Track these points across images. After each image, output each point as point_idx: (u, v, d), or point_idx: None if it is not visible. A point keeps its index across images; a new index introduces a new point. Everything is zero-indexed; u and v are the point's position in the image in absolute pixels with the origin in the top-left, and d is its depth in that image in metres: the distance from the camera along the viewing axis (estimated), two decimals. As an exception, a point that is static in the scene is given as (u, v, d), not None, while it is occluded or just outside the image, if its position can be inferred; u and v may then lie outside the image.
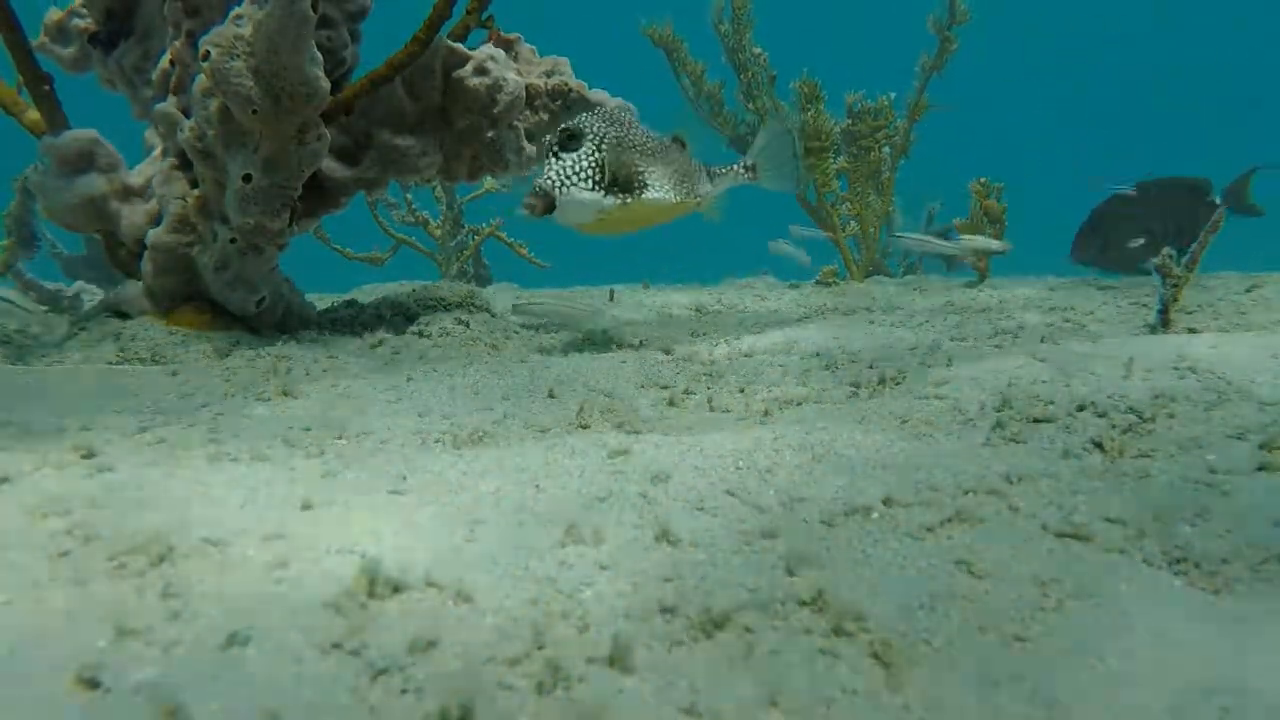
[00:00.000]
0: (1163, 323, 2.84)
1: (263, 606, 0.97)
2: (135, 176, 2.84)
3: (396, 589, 1.01)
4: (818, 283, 5.47)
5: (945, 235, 5.42)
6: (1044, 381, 1.94)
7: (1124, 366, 1.98)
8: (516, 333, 3.08)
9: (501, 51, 3.05)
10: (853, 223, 5.95)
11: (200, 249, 2.67)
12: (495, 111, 2.98)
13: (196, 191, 2.67)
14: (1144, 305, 3.61)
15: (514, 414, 1.85)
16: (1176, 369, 1.99)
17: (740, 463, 1.48)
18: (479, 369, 2.29)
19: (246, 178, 2.48)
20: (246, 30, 2.32)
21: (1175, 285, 2.81)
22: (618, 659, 0.89)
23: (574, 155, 2.31)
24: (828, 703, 0.86)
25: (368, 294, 4.14)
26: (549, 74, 3.22)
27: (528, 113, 3.19)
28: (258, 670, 0.86)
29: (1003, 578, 1.09)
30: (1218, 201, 4.33)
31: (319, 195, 2.95)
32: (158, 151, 2.91)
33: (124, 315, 2.73)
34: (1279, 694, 0.88)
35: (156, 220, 2.76)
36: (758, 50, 6.15)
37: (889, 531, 1.22)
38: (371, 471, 1.44)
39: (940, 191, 6.98)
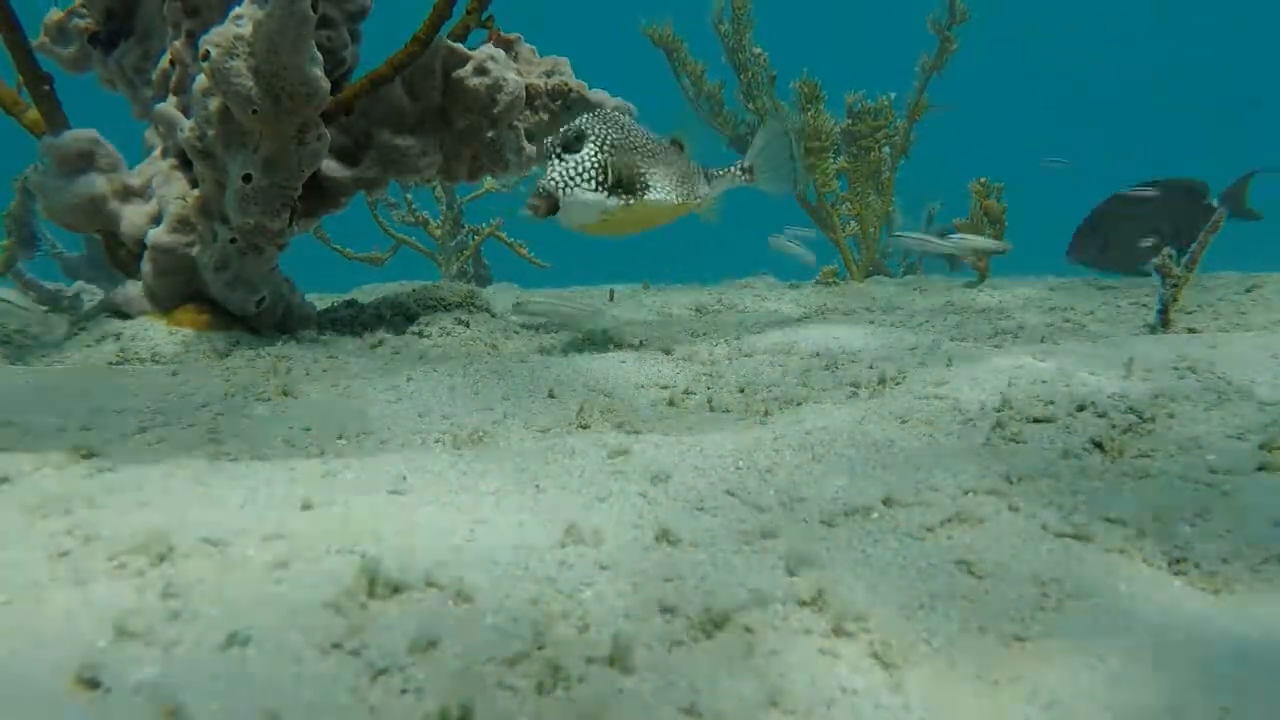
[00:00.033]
0: (1163, 323, 2.84)
1: (263, 606, 0.97)
2: (135, 176, 2.84)
3: (396, 589, 1.01)
4: (818, 283, 5.47)
5: (945, 236, 5.43)
6: (1044, 381, 1.94)
7: (1124, 366, 1.98)
8: (516, 333, 3.08)
9: (501, 51, 3.05)
10: (853, 223, 5.95)
11: (200, 249, 2.67)
12: (495, 111, 2.98)
13: (196, 191, 2.67)
14: (1144, 305, 3.61)
15: (514, 414, 1.85)
16: (1176, 369, 1.99)
17: (740, 463, 1.48)
18: (479, 369, 2.29)
19: (246, 178, 2.48)
20: (246, 30, 2.32)
21: (1175, 285, 2.81)
22: (618, 659, 0.89)
23: (577, 156, 2.32)
24: (828, 703, 0.86)
25: (368, 294, 4.15)
26: (549, 74, 3.22)
27: (528, 113, 3.19)
28: (258, 670, 0.86)
29: (1003, 578, 1.09)
30: (1215, 204, 4.34)
31: (319, 195, 2.95)
32: (158, 151, 2.91)
33: (124, 315, 2.73)
34: (1279, 694, 0.88)
35: (156, 220, 2.76)
36: (758, 50, 6.15)
37: (889, 531, 1.22)
38: (371, 471, 1.44)
39: (940, 191, 6.98)
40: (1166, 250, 2.81)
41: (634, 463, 1.48)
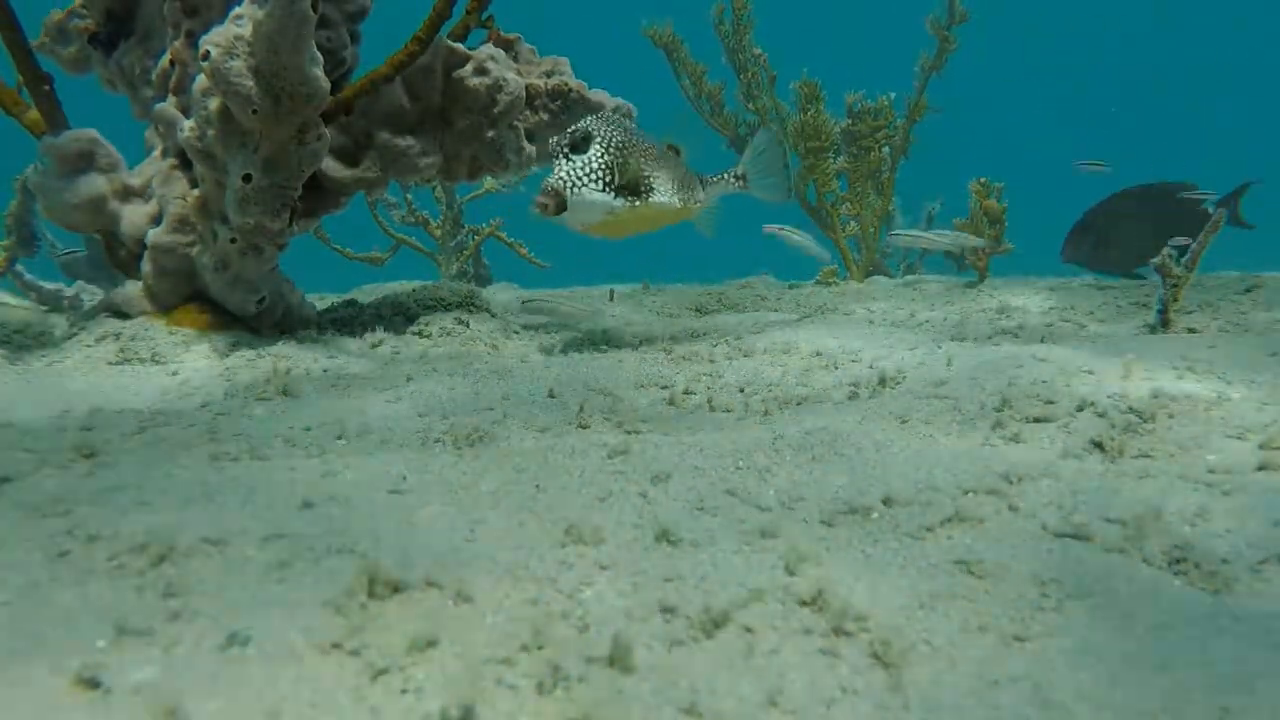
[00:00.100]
0: (1163, 323, 2.84)
1: (263, 606, 0.97)
2: (135, 176, 2.84)
3: (396, 589, 1.01)
4: (817, 283, 5.47)
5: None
6: (1044, 381, 1.94)
7: (1124, 366, 1.98)
8: (516, 333, 3.08)
9: (501, 51, 3.05)
10: (852, 223, 5.95)
11: (200, 249, 2.67)
12: (495, 111, 2.98)
13: (196, 191, 2.67)
14: (1144, 305, 3.61)
15: (514, 414, 1.85)
16: (1176, 369, 1.99)
17: (740, 463, 1.48)
18: (479, 369, 2.29)
19: (246, 178, 2.48)
20: (246, 30, 2.32)
21: (1175, 285, 2.81)
22: (618, 659, 0.89)
23: (584, 157, 2.36)
24: (828, 703, 0.86)
25: (368, 294, 4.14)
26: (549, 74, 3.22)
27: (528, 113, 3.19)
28: (258, 670, 0.86)
29: (1003, 578, 1.09)
30: (1210, 210, 4.35)
31: (319, 195, 2.95)
32: (158, 151, 2.91)
33: (124, 315, 2.73)
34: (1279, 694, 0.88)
35: (156, 220, 2.76)
36: (758, 51, 6.15)
37: (889, 531, 1.22)
38: (371, 471, 1.45)
39: (940, 191, 6.98)
40: (1167, 250, 2.81)
41: (634, 463, 1.48)
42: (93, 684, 0.82)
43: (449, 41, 2.94)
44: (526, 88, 3.11)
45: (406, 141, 2.94)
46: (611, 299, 4.79)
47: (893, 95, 5.83)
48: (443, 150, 3.05)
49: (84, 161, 2.74)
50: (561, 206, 2.35)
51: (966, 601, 1.04)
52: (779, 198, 2.88)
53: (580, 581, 1.06)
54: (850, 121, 5.82)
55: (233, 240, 2.59)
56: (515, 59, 3.17)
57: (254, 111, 2.37)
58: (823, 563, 1.12)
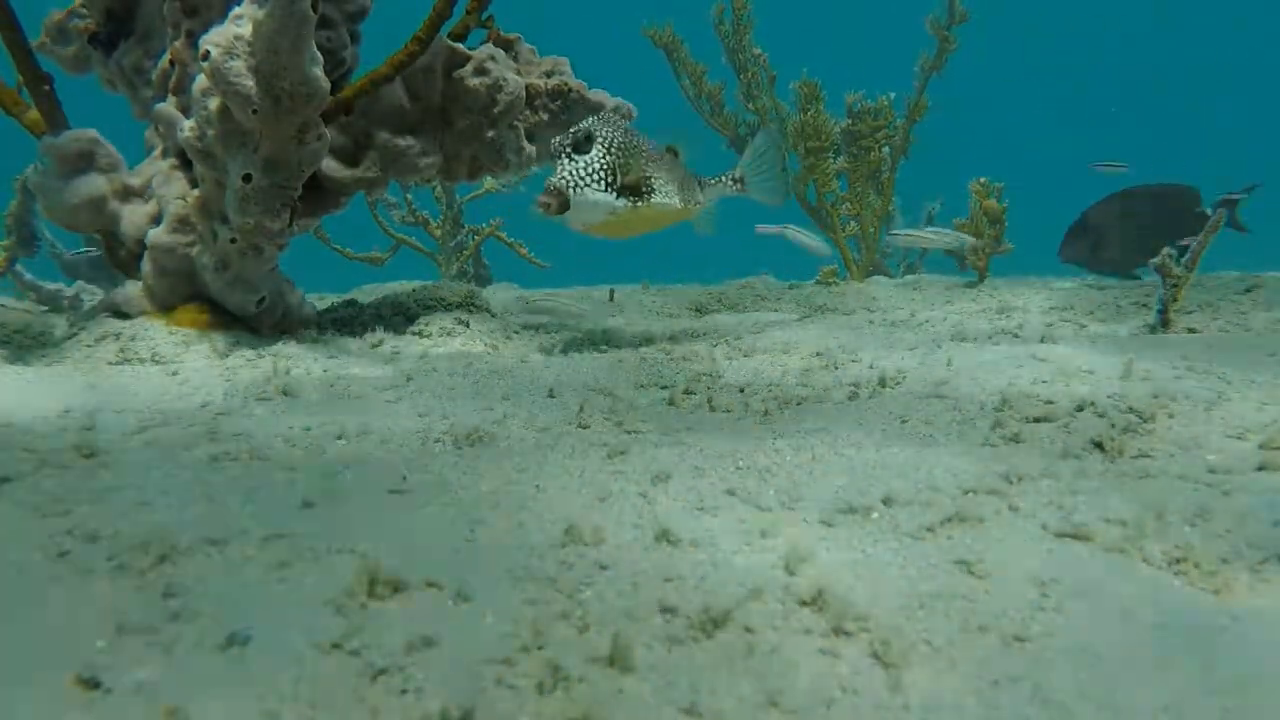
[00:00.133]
0: (1162, 323, 2.84)
1: (263, 606, 0.97)
2: (135, 176, 2.84)
3: (396, 589, 1.01)
4: (817, 283, 5.47)
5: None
6: (1044, 381, 1.94)
7: (1124, 366, 1.98)
8: (516, 333, 3.08)
9: (501, 51, 3.05)
10: (852, 223, 5.95)
11: (200, 249, 2.67)
12: (495, 111, 2.98)
13: (196, 191, 2.67)
14: (1144, 305, 3.61)
15: (514, 414, 1.85)
16: (1176, 369, 1.99)
17: (740, 462, 1.48)
18: (479, 369, 2.29)
19: (246, 178, 2.48)
20: (246, 30, 2.32)
21: (1175, 285, 2.81)
22: (618, 659, 0.89)
23: (587, 157, 2.38)
24: (828, 703, 0.86)
25: (368, 294, 4.14)
26: (549, 74, 3.22)
27: (528, 113, 3.19)
28: (258, 670, 0.86)
29: (1003, 578, 1.09)
30: (1208, 212, 4.35)
31: (319, 195, 2.95)
32: (158, 151, 2.91)
33: (124, 315, 2.73)
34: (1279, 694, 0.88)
35: (156, 220, 2.76)
36: (758, 51, 6.15)
37: (889, 531, 1.22)
38: (371, 471, 1.45)
39: (940, 191, 6.98)
40: (1167, 250, 2.81)
41: (634, 463, 1.48)
42: (93, 684, 0.82)
43: (449, 41, 2.94)
44: (526, 88, 3.11)
45: (406, 141, 2.94)
46: (611, 299, 4.79)
47: (893, 95, 5.82)
48: (443, 150, 3.05)
49: (84, 161, 2.73)
50: (564, 206, 2.37)
51: (966, 601, 1.04)
52: (776, 200, 2.90)
53: (580, 581, 1.06)
54: (850, 121, 5.82)
55: (233, 240, 2.59)
56: (515, 59, 3.17)
57: (254, 111, 2.37)
58: (822, 563, 1.12)
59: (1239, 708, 0.85)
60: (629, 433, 1.71)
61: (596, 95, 3.22)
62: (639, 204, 2.46)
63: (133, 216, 2.79)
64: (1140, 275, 4.66)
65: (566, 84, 3.18)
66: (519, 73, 3.09)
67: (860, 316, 3.57)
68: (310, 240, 5.60)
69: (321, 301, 3.89)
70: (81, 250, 5.16)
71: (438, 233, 6.81)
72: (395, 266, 6.92)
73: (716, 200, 2.81)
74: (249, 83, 2.33)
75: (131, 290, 2.75)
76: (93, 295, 4.98)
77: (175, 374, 2.25)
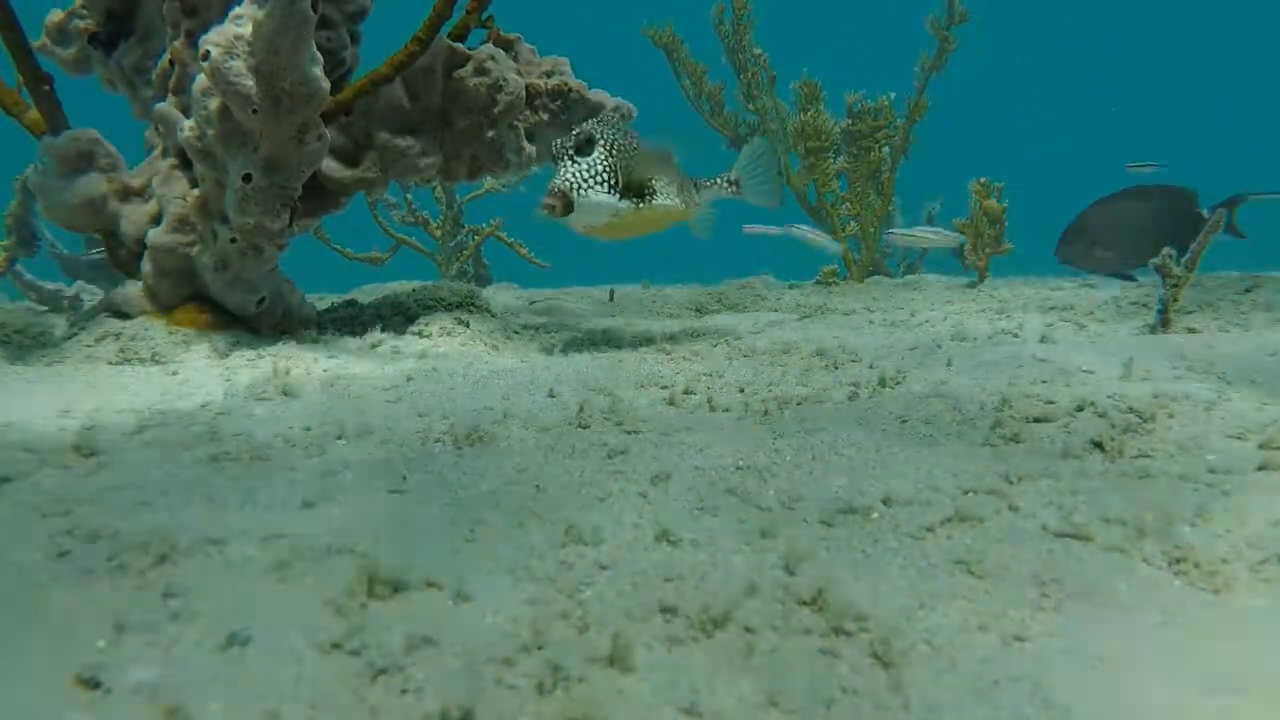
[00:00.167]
0: (1162, 323, 2.84)
1: (263, 606, 0.97)
2: (135, 176, 2.84)
3: (396, 589, 1.01)
4: (817, 282, 5.47)
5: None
6: (1044, 381, 1.94)
7: (1123, 366, 1.98)
8: (516, 333, 3.08)
9: (501, 51, 3.05)
10: (852, 223, 5.95)
11: (200, 249, 2.67)
12: (495, 111, 2.98)
13: (196, 191, 2.67)
14: (1144, 305, 3.61)
15: (514, 413, 1.85)
16: (1176, 369, 1.99)
17: (740, 462, 1.48)
18: (479, 369, 2.29)
19: (246, 178, 2.48)
20: (246, 30, 2.32)
21: (1175, 285, 2.81)
22: (618, 659, 0.89)
23: (589, 159, 2.39)
24: (828, 703, 0.86)
25: (368, 294, 4.14)
26: (549, 74, 3.22)
27: (528, 113, 3.19)
28: (258, 670, 0.86)
29: (1003, 578, 1.09)
30: (1205, 214, 4.35)
31: (319, 195, 2.95)
32: (158, 151, 2.91)
33: (124, 315, 2.73)
34: None
35: (156, 220, 2.76)
36: (758, 51, 6.15)
37: (889, 531, 1.22)
38: (371, 471, 1.45)
39: (940, 191, 6.98)
40: (1166, 250, 2.81)
41: (634, 463, 1.48)
42: (93, 684, 0.82)
43: (449, 41, 2.94)
44: (526, 88, 3.11)
45: (406, 141, 2.94)
46: (611, 299, 4.79)
47: (893, 95, 5.83)
48: (443, 150, 3.05)
49: (84, 161, 2.73)
50: (568, 208, 2.38)
51: (966, 601, 1.04)
52: (772, 203, 2.92)
53: (580, 581, 1.06)
54: (850, 121, 5.82)
55: (233, 240, 2.59)
56: (515, 59, 3.17)
57: (254, 111, 2.37)
58: (822, 562, 1.12)
59: (1239, 708, 0.85)
60: (629, 433, 1.71)
61: (596, 95, 3.22)
62: (641, 206, 2.47)
63: (133, 216, 2.79)
64: (1136, 276, 4.66)
65: (566, 84, 3.18)
66: (519, 73, 3.09)
67: (860, 316, 3.57)
68: (310, 240, 5.60)
69: (321, 301, 3.89)
70: (96, 252, 5.16)
71: (438, 233, 6.81)
72: (395, 266, 6.92)
73: (712, 202, 2.83)
74: (249, 83, 2.33)
75: (131, 290, 2.75)
76: (93, 295, 4.98)
77: (175, 374, 2.25)
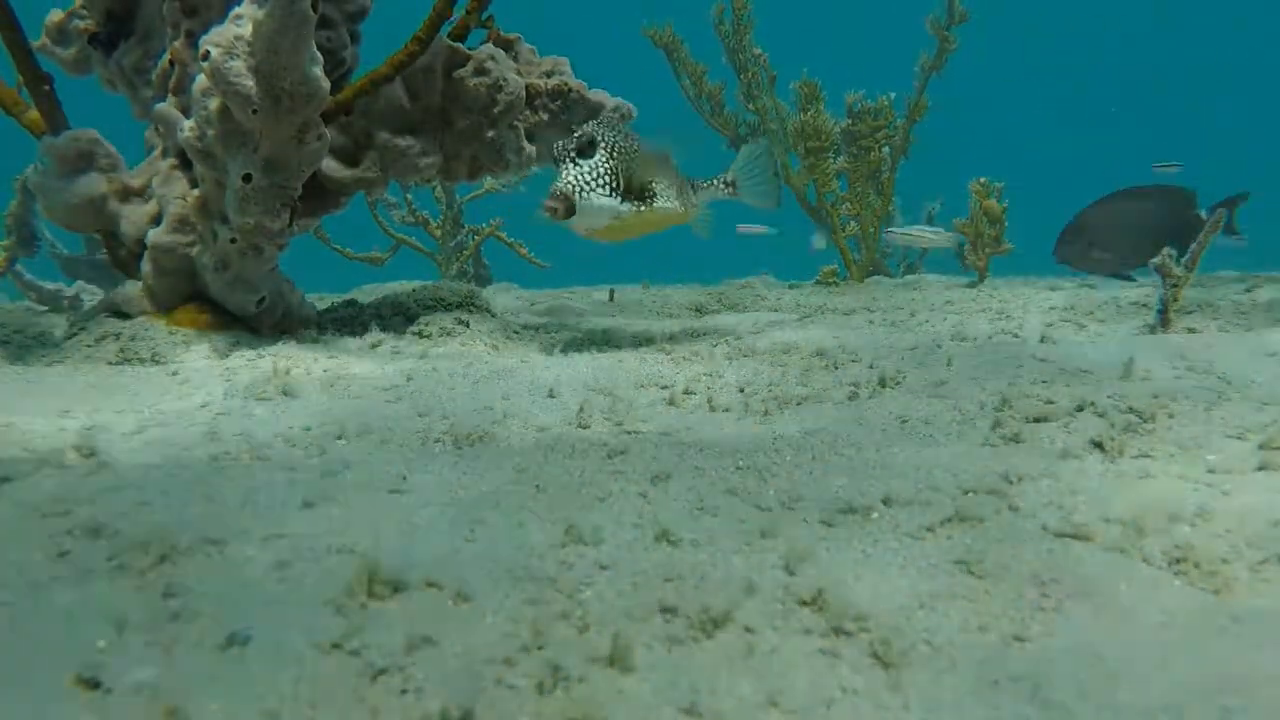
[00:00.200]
0: (1162, 323, 2.84)
1: (263, 606, 0.97)
2: (135, 176, 2.84)
3: (396, 589, 1.01)
4: (817, 282, 5.48)
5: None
6: (1044, 381, 1.94)
7: (1123, 366, 1.98)
8: (516, 333, 3.08)
9: (501, 51, 3.05)
10: (852, 223, 5.95)
11: (200, 249, 2.67)
12: (495, 111, 2.98)
13: (196, 191, 2.67)
14: (1144, 305, 3.61)
15: (514, 413, 1.85)
16: (1175, 369, 1.99)
17: (740, 462, 1.48)
18: (479, 369, 2.29)
19: (246, 178, 2.48)
20: (246, 30, 2.32)
21: (1175, 285, 2.81)
22: (618, 659, 0.89)
23: (591, 162, 2.40)
24: (828, 703, 0.86)
25: (368, 294, 4.14)
26: (549, 74, 3.22)
27: (528, 113, 3.19)
28: (258, 670, 0.86)
29: (1003, 578, 1.09)
30: (1202, 215, 4.35)
31: (319, 195, 2.94)
32: (158, 151, 2.91)
33: (124, 315, 2.73)
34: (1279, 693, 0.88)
35: (156, 220, 2.76)
36: (758, 51, 6.16)
37: (889, 531, 1.22)
38: (372, 471, 1.45)
39: (940, 191, 6.98)
40: (1166, 250, 2.81)
41: (634, 463, 1.48)
42: (93, 684, 0.82)
43: (449, 41, 2.94)
44: (526, 88, 3.11)
45: (406, 141, 2.94)
46: (611, 299, 4.79)
47: (893, 95, 5.83)
48: (443, 150, 3.05)
49: (84, 161, 2.73)
50: (571, 211, 2.39)
51: (966, 601, 1.04)
52: (769, 204, 2.93)
53: (580, 581, 1.06)
54: (850, 121, 5.82)
55: (233, 240, 2.59)
56: (515, 59, 3.16)
57: (254, 111, 2.37)
58: (822, 563, 1.12)
59: (1239, 708, 0.85)
60: (629, 433, 1.71)
61: (596, 95, 3.22)
62: (642, 208, 2.48)
63: (133, 216, 2.79)
64: (1134, 276, 4.66)
65: (566, 84, 3.18)
66: (519, 73, 3.09)
67: (860, 316, 3.57)
68: (310, 240, 5.60)
69: (321, 301, 3.90)
70: (102, 256, 5.16)
71: (438, 233, 6.81)
72: (395, 266, 6.93)
73: (709, 203, 2.84)
74: (249, 83, 2.33)
75: (131, 290, 2.75)
76: (93, 295, 4.98)
77: (175, 374, 2.25)
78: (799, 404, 1.95)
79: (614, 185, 2.42)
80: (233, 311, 2.75)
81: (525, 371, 2.24)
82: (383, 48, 2.82)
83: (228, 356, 2.45)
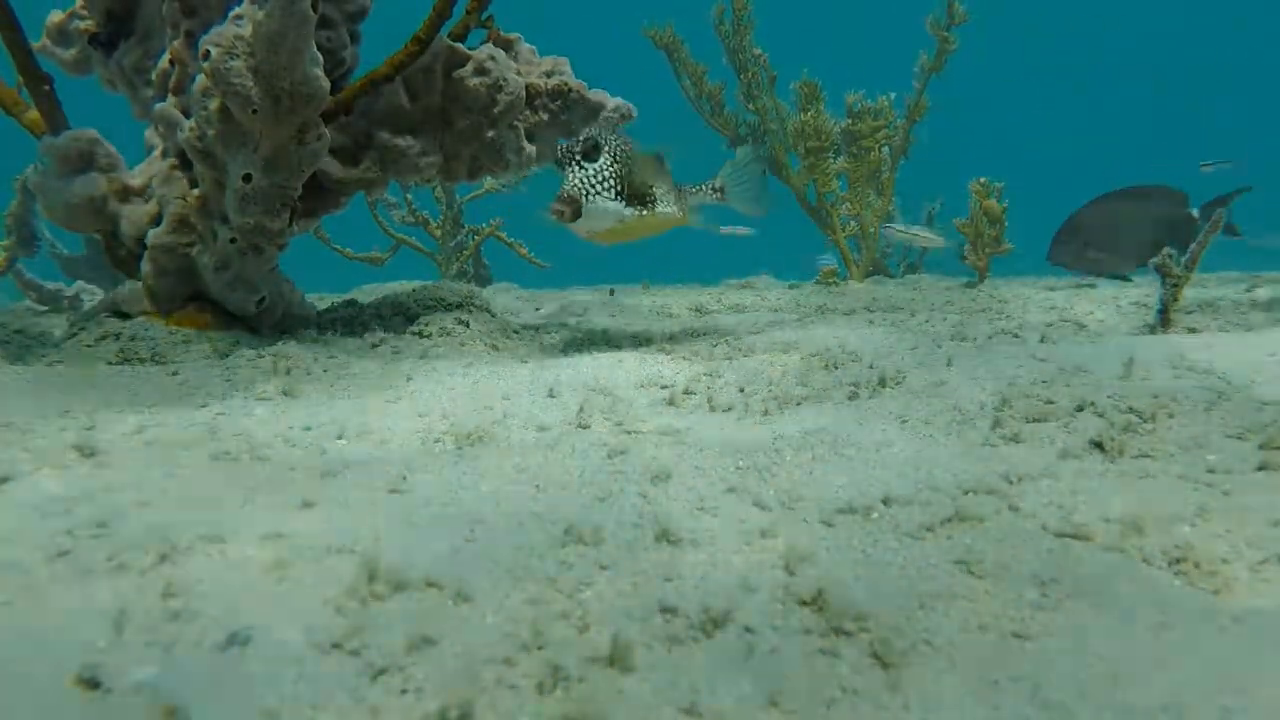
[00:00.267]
0: (1162, 323, 2.84)
1: (263, 606, 0.97)
2: (135, 176, 2.84)
3: (396, 589, 1.01)
4: (817, 282, 5.48)
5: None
6: (1044, 381, 1.94)
7: (1124, 366, 1.98)
8: (516, 333, 3.08)
9: (502, 51, 3.05)
10: (852, 223, 5.95)
11: (200, 249, 2.67)
12: (495, 111, 2.98)
13: (196, 191, 2.67)
14: (1144, 305, 3.61)
15: (514, 413, 1.85)
16: (1176, 369, 1.99)
17: (740, 462, 1.48)
18: (479, 369, 2.29)
19: (246, 178, 2.48)
20: (246, 30, 2.32)
21: (1175, 285, 2.81)
22: (618, 659, 0.89)
23: (596, 165, 2.43)
24: (828, 703, 0.86)
25: (368, 294, 4.14)
26: (549, 74, 3.22)
27: (528, 113, 3.19)
28: (258, 670, 0.86)
29: (1003, 578, 1.09)
30: (1194, 214, 4.36)
31: (319, 195, 2.95)
32: (158, 151, 2.91)
33: (124, 315, 2.73)
34: None
35: (156, 220, 2.76)
36: (758, 51, 6.16)
37: (889, 531, 1.22)
38: (371, 471, 1.45)
39: (940, 191, 6.99)
40: (1166, 250, 2.81)
41: (634, 463, 1.48)
42: (93, 684, 0.82)
43: (449, 41, 2.94)
44: (526, 88, 3.11)
45: (406, 141, 2.94)
46: (611, 295, 4.79)
47: (893, 95, 5.84)
48: (443, 150, 3.05)
49: (84, 161, 2.74)
50: (578, 213, 2.41)
51: (966, 601, 1.04)
52: (757, 212, 2.95)
53: (580, 581, 1.06)
54: (850, 121, 5.82)
55: (233, 240, 2.59)
56: (515, 59, 3.16)
57: (254, 111, 2.37)
58: (822, 562, 1.12)
59: (1239, 708, 0.85)
60: (629, 432, 1.71)
61: (596, 95, 3.22)
62: (644, 212, 2.51)
63: (133, 216, 2.79)
64: (1130, 276, 4.66)
65: (566, 84, 3.18)
66: (519, 73, 3.09)
67: (860, 316, 3.57)
68: (310, 240, 5.60)
69: (321, 301, 3.90)
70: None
71: (438, 233, 6.82)
72: (395, 266, 6.93)
73: (698, 208, 2.86)
74: (249, 83, 2.33)
75: (131, 290, 2.76)
76: (93, 295, 4.98)
77: (175, 374, 2.25)
78: (799, 404, 1.94)
79: (619, 189, 2.45)
80: (233, 311, 2.75)
81: (525, 371, 2.24)
82: (383, 48, 2.82)
83: (228, 356, 2.45)
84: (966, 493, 1.34)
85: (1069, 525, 1.22)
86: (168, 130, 2.77)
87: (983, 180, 5.12)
